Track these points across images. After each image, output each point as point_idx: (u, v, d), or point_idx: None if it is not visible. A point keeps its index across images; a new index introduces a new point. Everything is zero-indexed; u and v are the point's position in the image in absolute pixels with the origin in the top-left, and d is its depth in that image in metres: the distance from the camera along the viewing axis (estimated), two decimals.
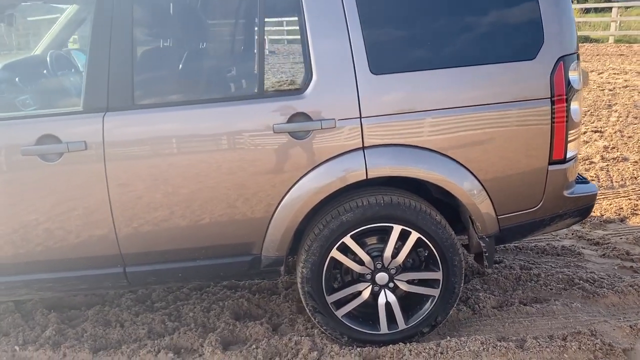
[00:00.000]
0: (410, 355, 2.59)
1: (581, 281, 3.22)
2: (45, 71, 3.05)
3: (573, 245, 3.79)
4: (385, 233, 2.57)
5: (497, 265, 3.47)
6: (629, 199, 4.49)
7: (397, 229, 2.53)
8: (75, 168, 2.38)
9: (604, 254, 3.64)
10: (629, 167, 5.23)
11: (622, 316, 2.92)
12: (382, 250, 2.58)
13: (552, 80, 2.42)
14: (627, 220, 4.18)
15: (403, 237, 2.55)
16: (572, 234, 3.96)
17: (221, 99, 2.44)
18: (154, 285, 2.68)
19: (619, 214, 4.26)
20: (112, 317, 3.06)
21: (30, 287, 2.57)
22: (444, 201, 2.67)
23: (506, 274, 3.33)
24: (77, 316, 3.10)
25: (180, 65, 2.70)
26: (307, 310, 2.66)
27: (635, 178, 4.98)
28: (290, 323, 2.96)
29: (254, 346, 2.71)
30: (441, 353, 2.59)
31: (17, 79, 2.84)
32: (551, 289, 3.17)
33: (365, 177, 2.44)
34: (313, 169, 2.44)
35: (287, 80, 2.46)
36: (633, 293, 3.06)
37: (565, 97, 2.44)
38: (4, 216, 2.41)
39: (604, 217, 4.25)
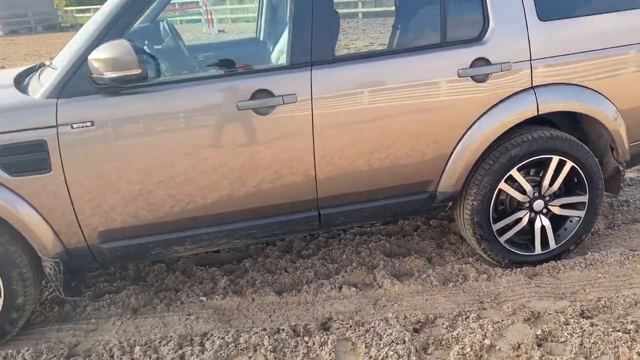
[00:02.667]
0: (565, 269, 2.98)
1: None
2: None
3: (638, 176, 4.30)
4: (540, 165, 2.90)
5: None
6: None
7: (555, 159, 2.87)
8: (285, 119, 2.55)
9: None
10: None
11: None
12: (540, 180, 2.92)
13: None
14: None
15: (559, 166, 2.90)
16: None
17: (410, 49, 2.67)
18: (339, 226, 2.90)
19: None
20: (271, 266, 3.24)
21: (232, 236, 2.72)
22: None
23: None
24: (236, 269, 3.26)
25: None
26: (474, 239, 2.97)
27: None
28: (440, 256, 3.26)
29: (424, 275, 3.00)
30: (590, 265, 2.98)
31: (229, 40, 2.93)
32: None
33: (536, 113, 2.76)
34: (491, 108, 2.73)
35: (467, 30, 2.70)
36: None
37: None
38: (220, 167, 2.55)
39: None
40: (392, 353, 2.36)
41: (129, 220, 2.56)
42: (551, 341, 2.41)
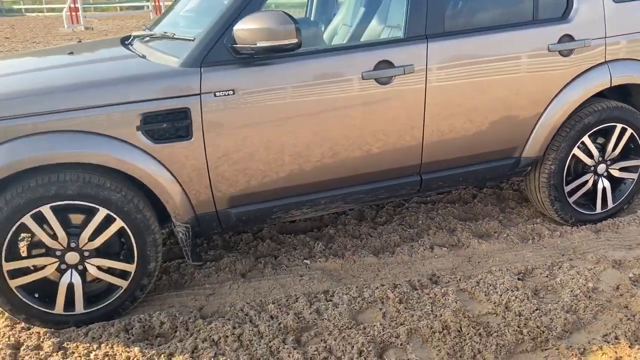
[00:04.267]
0: (623, 225, 3.36)
1: None
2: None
3: None
4: (602, 133, 3.25)
5: None
6: None
7: (619, 127, 3.23)
8: (402, 88, 2.74)
9: None
10: None
11: None
12: (603, 146, 3.27)
13: None
14: None
15: (620, 133, 3.25)
16: None
17: (508, 25, 2.93)
18: (435, 190, 3.14)
19: None
20: (354, 232, 3.43)
21: (344, 200, 2.90)
22: None
23: None
24: (321, 236, 3.42)
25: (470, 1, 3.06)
26: (548, 200, 3.28)
27: None
28: (507, 219, 3.56)
29: (504, 234, 3.30)
30: None
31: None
32: None
33: (609, 85, 3.10)
34: (574, 79, 3.04)
35: (554, 9, 2.99)
36: None
37: None
38: (342, 134, 2.71)
39: None
40: (513, 298, 2.63)
41: (258, 186, 2.69)
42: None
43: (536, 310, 2.54)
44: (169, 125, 2.46)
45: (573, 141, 3.16)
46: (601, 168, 3.31)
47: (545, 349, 2.33)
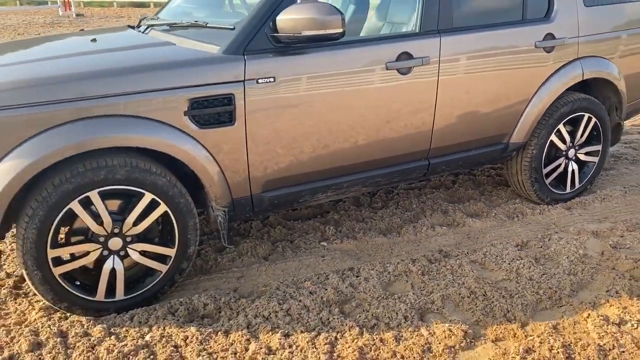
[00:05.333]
0: (589, 202, 3.81)
1: None
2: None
3: None
4: (568, 122, 3.69)
5: None
6: None
7: (586, 116, 3.68)
8: (419, 78, 2.99)
9: None
10: None
11: None
12: (572, 133, 3.72)
13: None
14: None
15: (587, 122, 3.71)
16: None
17: (504, 23, 3.27)
18: (437, 174, 3.41)
19: None
20: (357, 216, 3.64)
21: (363, 184, 3.09)
22: None
23: None
24: (327, 221, 3.59)
25: (474, 2, 3.33)
26: (529, 182, 3.67)
27: None
28: (489, 201, 3.92)
29: (492, 213, 3.65)
30: (604, 198, 3.85)
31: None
32: None
33: (582, 78, 3.53)
34: (554, 73, 3.44)
35: (539, 10, 3.37)
36: None
37: None
38: (366, 120, 2.91)
39: None
40: (520, 265, 2.95)
41: (290, 170, 2.82)
42: (620, 248, 3.18)
43: (544, 274, 2.88)
44: (214, 111, 2.53)
45: (551, 128, 3.57)
46: (571, 153, 3.75)
47: (561, 306, 2.66)
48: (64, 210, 2.35)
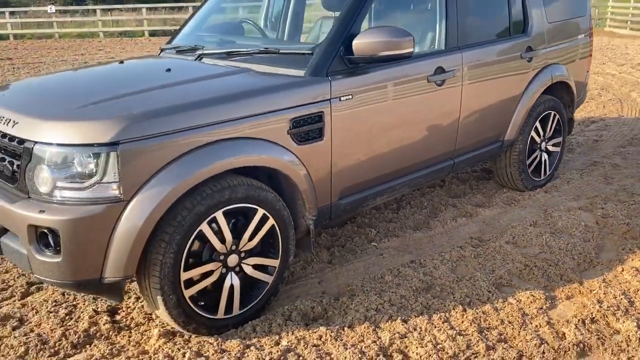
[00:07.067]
0: (558, 185, 4.55)
1: None
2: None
3: None
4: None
5: None
6: None
7: (552, 113, 4.42)
8: (450, 89, 3.45)
9: None
10: None
11: None
12: (543, 129, 4.43)
13: None
14: None
15: (554, 117, 4.45)
16: None
17: (498, 39, 3.86)
18: (457, 170, 3.89)
19: None
20: (385, 218, 4.00)
21: (409, 185, 3.47)
22: None
23: None
24: (360, 224, 3.91)
25: (479, 20, 3.83)
26: (517, 172, 4.29)
27: None
28: (481, 193, 4.49)
29: (493, 202, 4.22)
30: (568, 182, 4.62)
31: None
32: None
33: (551, 82, 4.25)
34: (533, 78, 4.11)
35: (519, 27, 4.01)
36: None
37: None
38: (417, 127, 3.31)
39: None
40: (548, 239, 3.51)
41: (361, 177, 3.12)
42: (608, 217, 3.89)
43: (568, 244, 3.46)
44: (309, 128, 2.77)
45: (532, 126, 4.23)
46: (543, 145, 4.46)
47: (596, 265, 3.25)
48: (195, 232, 2.44)
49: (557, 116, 4.47)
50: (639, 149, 5.52)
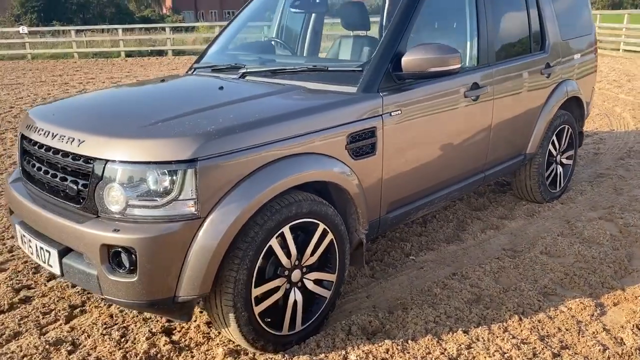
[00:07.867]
0: (572, 196, 4.69)
1: None
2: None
3: None
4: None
5: None
6: None
7: (566, 128, 4.57)
8: (483, 103, 3.55)
9: None
10: None
11: None
12: (558, 142, 4.58)
13: None
14: None
15: (567, 133, 4.60)
16: None
17: (521, 56, 3.99)
18: (487, 182, 3.98)
19: None
20: (415, 232, 4.05)
21: (446, 198, 3.52)
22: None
23: None
24: (392, 238, 3.94)
25: (505, 37, 3.94)
26: (536, 185, 4.40)
27: None
28: (501, 206, 4.59)
29: (515, 214, 4.32)
30: (588, 197, 4.77)
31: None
32: None
33: (567, 97, 4.40)
34: (551, 93, 4.26)
35: (538, 45, 4.15)
36: None
37: None
38: (456, 142, 3.39)
39: None
40: (580, 249, 3.61)
41: (407, 191, 3.17)
42: (630, 226, 4.02)
43: (600, 252, 3.56)
44: (364, 143, 2.81)
45: (549, 139, 4.37)
46: (559, 158, 4.60)
47: (631, 272, 3.35)
48: (265, 248, 2.44)
49: (570, 130, 4.62)
50: (639, 161, 5.73)
